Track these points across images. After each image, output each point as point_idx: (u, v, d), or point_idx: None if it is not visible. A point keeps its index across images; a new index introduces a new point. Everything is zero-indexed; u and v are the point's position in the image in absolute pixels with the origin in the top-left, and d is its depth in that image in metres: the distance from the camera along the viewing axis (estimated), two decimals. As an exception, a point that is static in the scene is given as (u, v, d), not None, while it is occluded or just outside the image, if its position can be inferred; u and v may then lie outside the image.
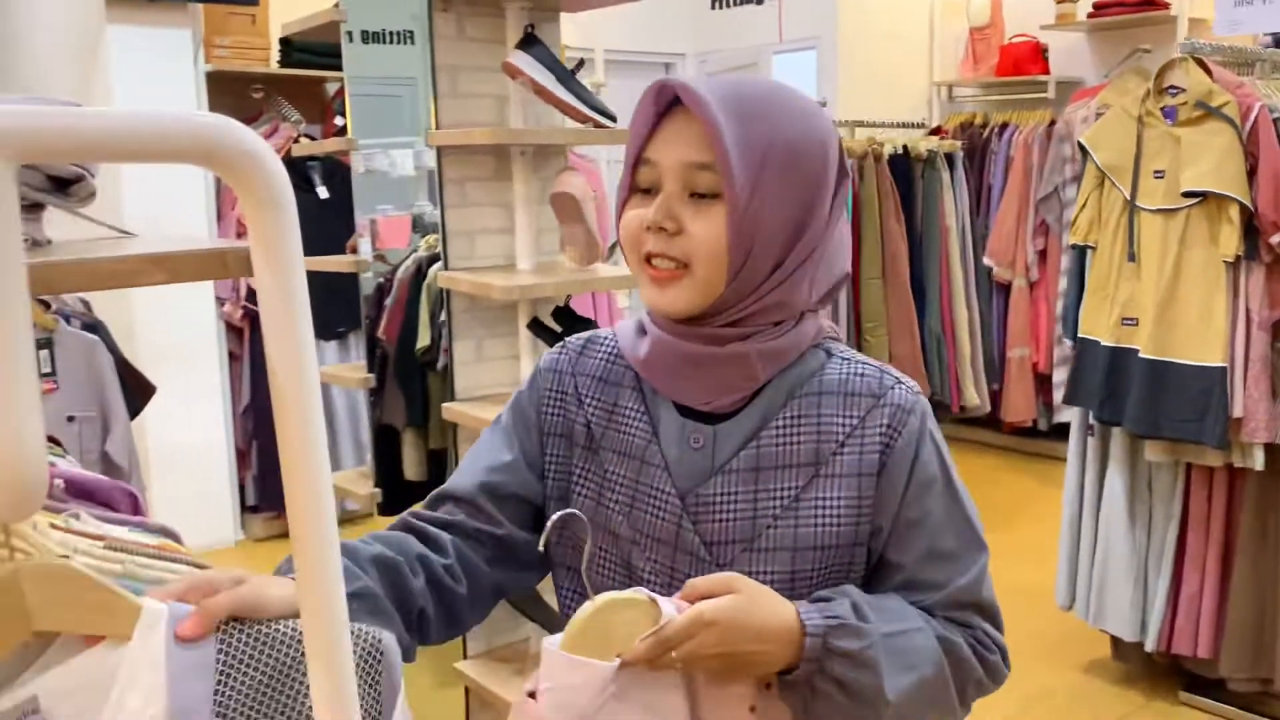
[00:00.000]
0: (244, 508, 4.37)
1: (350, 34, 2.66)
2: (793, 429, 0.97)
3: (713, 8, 6.23)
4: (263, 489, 4.35)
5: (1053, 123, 5.01)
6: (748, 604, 0.87)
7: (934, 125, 5.63)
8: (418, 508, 1.07)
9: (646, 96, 0.94)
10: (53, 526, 1.00)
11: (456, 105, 2.19)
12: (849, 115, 4.84)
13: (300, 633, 0.80)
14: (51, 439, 1.45)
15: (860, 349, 3.72)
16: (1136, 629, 2.84)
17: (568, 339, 1.12)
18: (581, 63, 2.10)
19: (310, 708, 0.76)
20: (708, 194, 0.92)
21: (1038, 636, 3.29)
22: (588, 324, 2.28)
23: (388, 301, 3.35)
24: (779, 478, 0.96)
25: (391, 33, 2.81)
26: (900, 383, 0.99)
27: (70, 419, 2.26)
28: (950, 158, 4.02)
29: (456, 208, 2.22)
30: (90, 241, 0.73)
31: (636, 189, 0.97)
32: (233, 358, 4.31)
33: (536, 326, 2.23)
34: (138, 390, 2.47)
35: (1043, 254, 4.99)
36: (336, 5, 2.68)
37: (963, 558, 0.98)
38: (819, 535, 0.95)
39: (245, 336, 4.28)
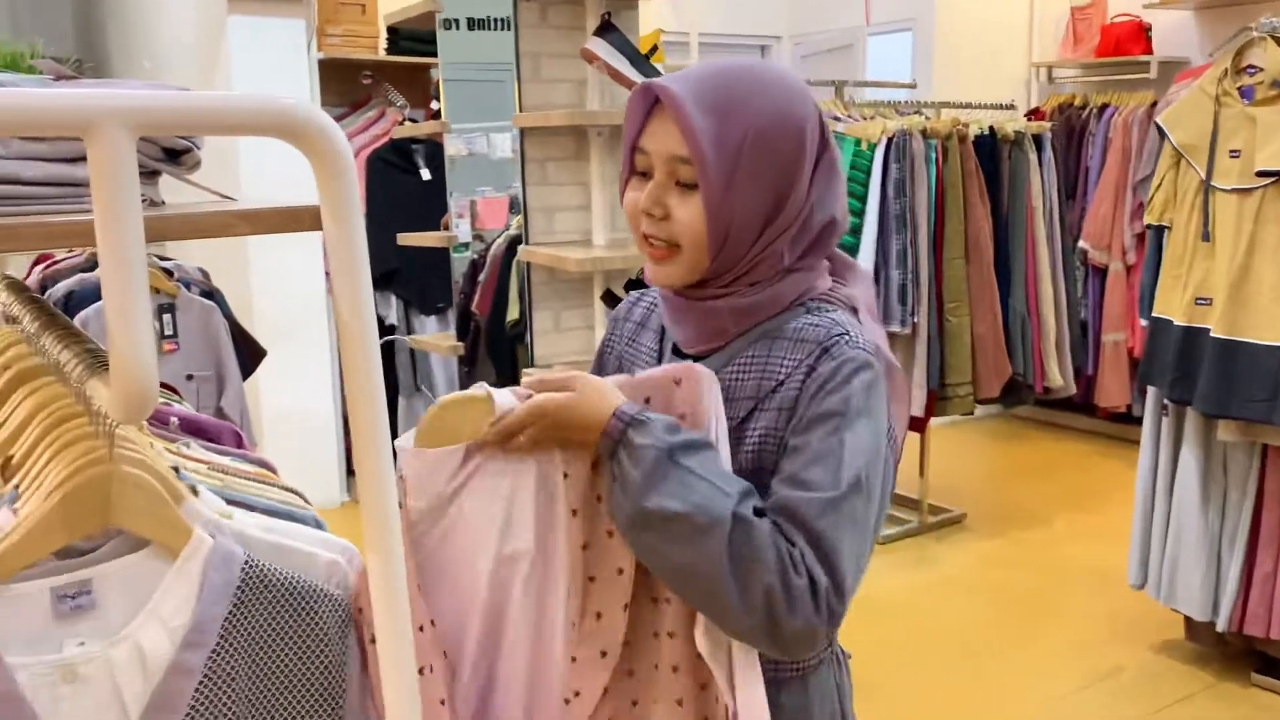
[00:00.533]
0: (349, 471, 4.63)
1: (447, 22, 2.82)
2: (746, 368, 1.08)
3: (809, -10, 6.26)
4: (366, 455, 4.59)
5: (1154, 104, 4.92)
6: (578, 399, 1.02)
7: (1031, 107, 5.58)
8: None
9: (634, 94, 1.06)
10: (167, 450, 1.18)
11: (539, 89, 2.33)
12: (943, 97, 4.84)
13: (318, 597, 0.96)
14: (172, 389, 1.65)
15: (941, 329, 3.76)
16: (1208, 609, 2.84)
17: (633, 291, 1.31)
18: (608, 15, 2.19)
19: (304, 673, 0.93)
20: (689, 184, 1.04)
21: (1111, 616, 3.30)
22: (661, 297, 2.40)
23: (481, 277, 3.53)
24: (728, 409, 1.06)
25: (491, 20, 2.96)
26: (846, 334, 1.04)
27: (189, 377, 2.48)
28: (1039, 139, 4.00)
29: (537, 186, 2.37)
30: (196, 203, 0.89)
31: (635, 172, 1.10)
32: (341, 329, 4.56)
33: (609, 298, 2.36)
34: (250, 353, 2.69)
35: (1141, 237, 4.91)
36: (433, -5, 2.85)
37: (818, 489, 0.98)
38: (747, 460, 1.05)
39: (352, 310, 4.52)
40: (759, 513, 0.99)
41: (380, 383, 0.85)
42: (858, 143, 3.67)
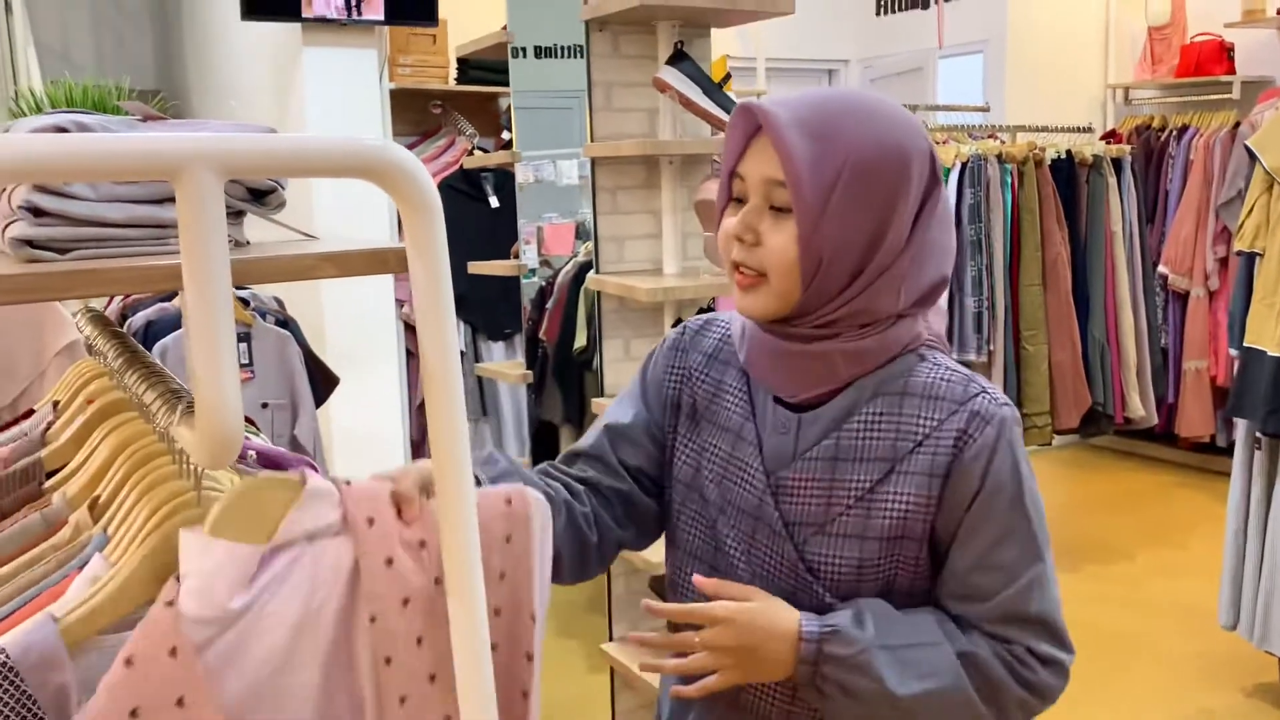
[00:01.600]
0: (417, 497, 4.65)
1: (517, 51, 2.84)
2: (873, 425, 1.02)
3: (878, 14, 6.21)
4: (434, 480, 4.62)
5: (1237, 125, 4.78)
6: (760, 609, 1.00)
7: (1108, 129, 5.46)
8: (554, 463, 1.18)
9: (735, 117, 1.03)
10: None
11: (611, 118, 2.32)
12: (1016, 120, 4.76)
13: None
14: (248, 420, 1.66)
15: (1018, 357, 3.67)
16: (1305, 653, 2.72)
17: (689, 319, 1.22)
18: (681, 44, 2.17)
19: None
20: (784, 208, 0.99)
21: (1200, 657, 3.18)
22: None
23: (549, 304, 3.53)
24: (855, 470, 1.02)
25: (559, 48, 2.97)
26: (986, 392, 1.02)
27: (264, 405, 2.51)
28: (1118, 162, 3.90)
29: (608, 214, 2.36)
30: (280, 243, 0.88)
31: (733, 199, 1.05)
32: (410, 356, 4.60)
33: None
34: (324, 381, 2.71)
35: (1224, 262, 4.77)
36: (504, 28, 2.86)
37: (1017, 570, 1.00)
38: (886, 528, 1.01)
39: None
40: (974, 621, 1.02)
41: (463, 423, 0.83)
42: (930, 168, 3.61)
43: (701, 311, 2.37)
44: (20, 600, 0.92)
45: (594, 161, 2.33)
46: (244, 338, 2.48)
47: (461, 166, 4.25)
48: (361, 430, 4.43)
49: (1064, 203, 3.76)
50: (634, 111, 2.34)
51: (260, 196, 0.88)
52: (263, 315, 2.58)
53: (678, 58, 2.18)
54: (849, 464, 1.02)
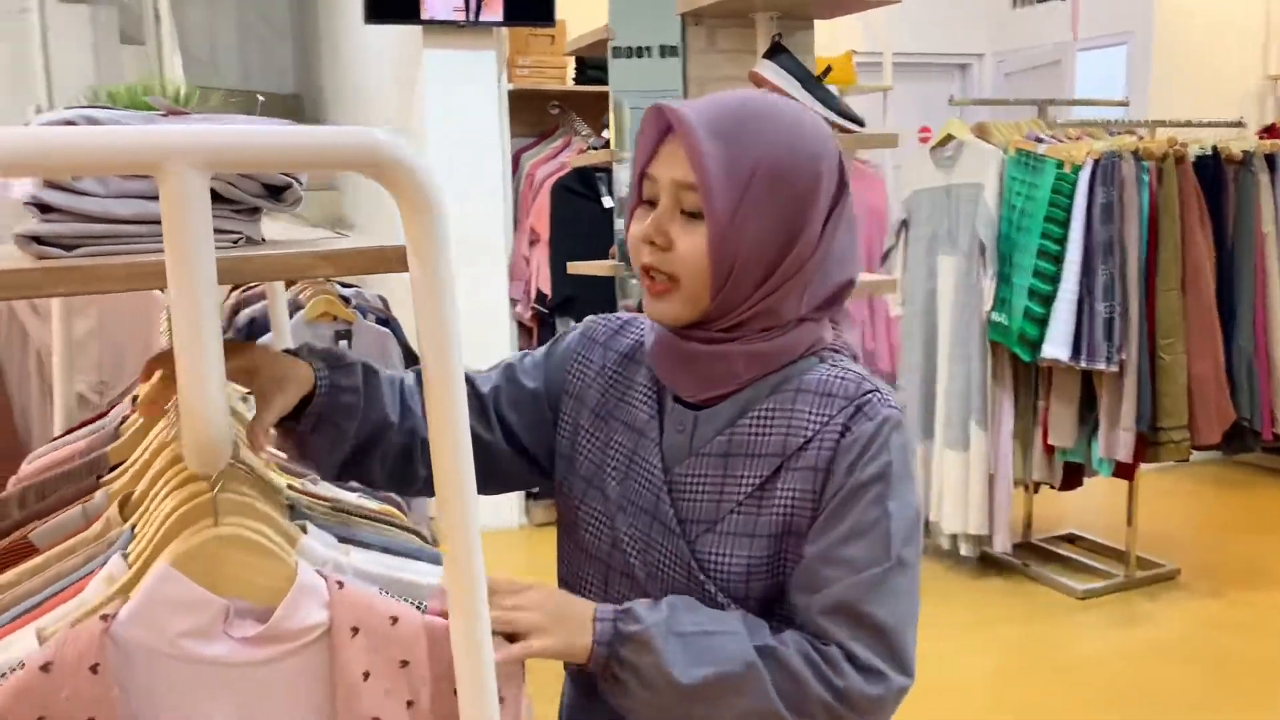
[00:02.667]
0: (528, 495, 4.67)
1: (619, 50, 2.80)
2: (766, 421, 1.02)
3: (1014, 6, 5.95)
4: (545, 478, 4.64)
5: None
6: (552, 591, 1.01)
7: (1267, 124, 5.09)
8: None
9: (647, 117, 1.01)
10: (289, 487, 1.16)
11: (707, 115, 2.26)
12: (1163, 115, 4.48)
13: None
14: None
15: (1153, 367, 3.44)
16: None
17: (609, 315, 1.20)
18: (779, 37, 2.08)
19: None
20: (695, 213, 0.98)
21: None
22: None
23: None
24: (746, 466, 1.01)
25: (660, 47, 2.93)
26: (877, 391, 1.01)
27: (363, 402, 2.54)
28: (1271, 159, 3.62)
29: (703, 214, 2.30)
30: (291, 241, 0.86)
31: (643, 201, 1.03)
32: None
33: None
34: (423, 379, 2.73)
35: (1395, 267, 4.38)
36: (606, 26, 2.84)
37: (862, 567, 0.96)
38: (774, 524, 1.00)
39: (535, 335, 4.58)
40: (802, 613, 0.98)
41: (464, 427, 0.79)
42: (1060, 165, 3.42)
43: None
44: (48, 592, 0.93)
45: (689, 159, 2.28)
46: (345, 335, 2.52)
47: (572, 166, 4.25)
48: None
49: (1209, 203, 3.50)
50: (731, 108, 2.27)
51: (278, 193, 0.86)
52: (363, 313, 2.62)
53: (775, 51, 2.11)
54: (740, 460, 1.02)
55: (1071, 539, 4.21)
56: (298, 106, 7.13)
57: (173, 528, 0.83)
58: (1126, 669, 3.17)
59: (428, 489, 1.11)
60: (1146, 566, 3.85)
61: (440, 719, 0.83)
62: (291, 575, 0.80)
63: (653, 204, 1.02)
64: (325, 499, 1.16)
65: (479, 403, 1.14)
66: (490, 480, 1.13)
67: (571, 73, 4.68)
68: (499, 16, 4.24)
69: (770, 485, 1.00)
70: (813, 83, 2.08)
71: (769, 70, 2.10)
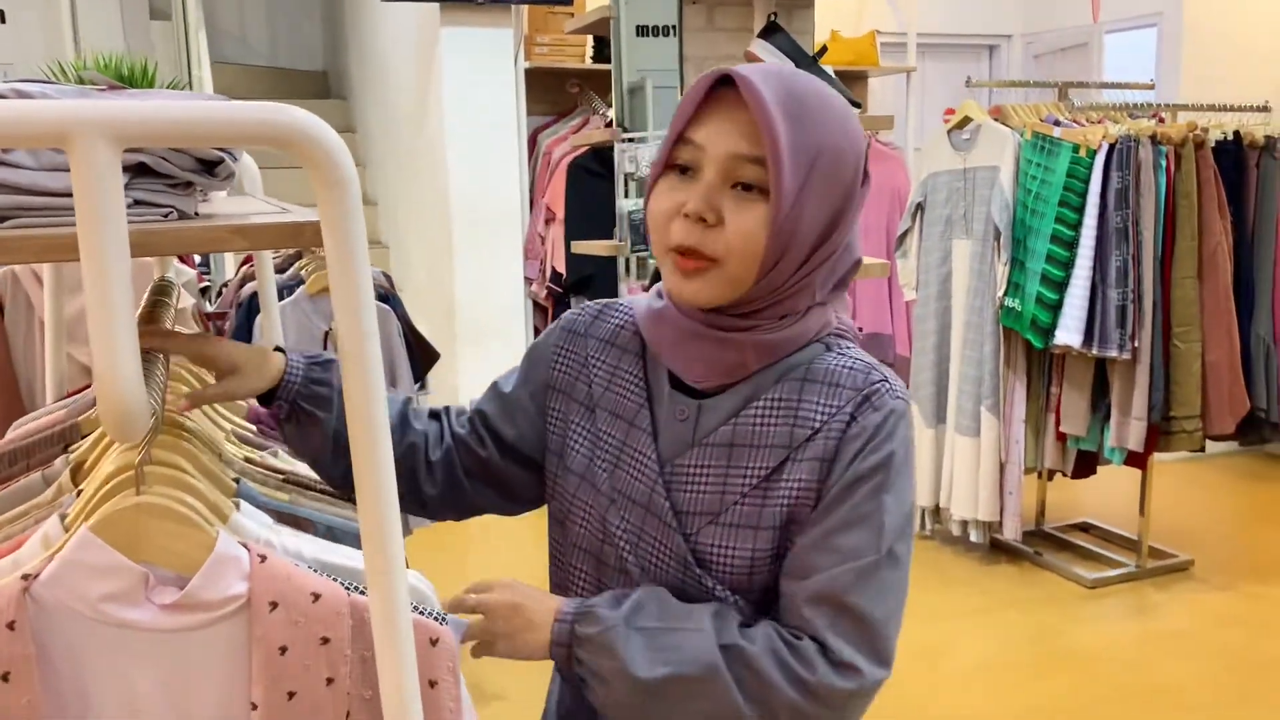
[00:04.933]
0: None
1: (620, 29, 2.80)
2: (772, 411, 0.99)
3: (1044, -14, 5.86)
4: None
5: None
6: (516, 589, 0.99)
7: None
8: (450, 408, 1.18)
9: (703, 80, 0.95)
10: (246, 460, 1.18)
11: (704, 95, 2.25)
12: (1192, 99, 4.39)
13: None
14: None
15: (1166, 355, 3.39)
16: None
17: (587, 303, 1.17)
18: (774, 16, 2.07)
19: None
20: (752, 185, 0.93)
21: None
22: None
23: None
24: (751, 456, 0.98)
25: (663, 27, 2.91)
26: (885, 381, 0.99)
27: (362, 378, 2.56)
28: (1295, 144, 3.55)
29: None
30: (218, 215, 0.87)
31: (673, 165, 0.96)
32: (538, 333, 4.65)
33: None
34: (424, 356, 2.75)
35: None
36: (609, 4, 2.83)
37: (851, 556, 0.93)
38: (778, 515, 0.97)
39: (549, 314, 4.60)
40: (771, 610, 0.97)
41: (382, 402, 0.80)
42: (1075, 149, 3.37)
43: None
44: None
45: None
46: (345, 311, 2.53)
47: (592, 146, 4.25)
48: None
49: (1229, 189, 3.44)
50: (729, 88, 2.26)
51: (210, 167, 0.87)
52: (365, 290, 2.63)
53: (770, 30, 2.09)
54: (745, 450, 0.99)
55: (1085, 528, 4.17)
56: (324, 83, 7.17)
57: (103, 496, 0.85)
58: (1134, 660, 3.14)
59: (441, 509, 1.15)
60: (1159, 557, 3.80)
61: (361, 699, 0.84)
62: (211, 544, 0.81)
63: (684, 170, 0.96)
64: (281, 471, 1.18)
65: (472, 425, 1.14)
66: (511, 499, 1.16)
67: (590, 51, 4.67)
68: (517, -6, 4.24)
69: (776, 477, 0.97)
70: (807, 62, 2.06)
71: (763, 49, 2.09)
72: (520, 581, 1.02)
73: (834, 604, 0.93)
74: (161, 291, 1.68)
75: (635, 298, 1.12)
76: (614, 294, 4.41)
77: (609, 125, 4.24)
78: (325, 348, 2.53)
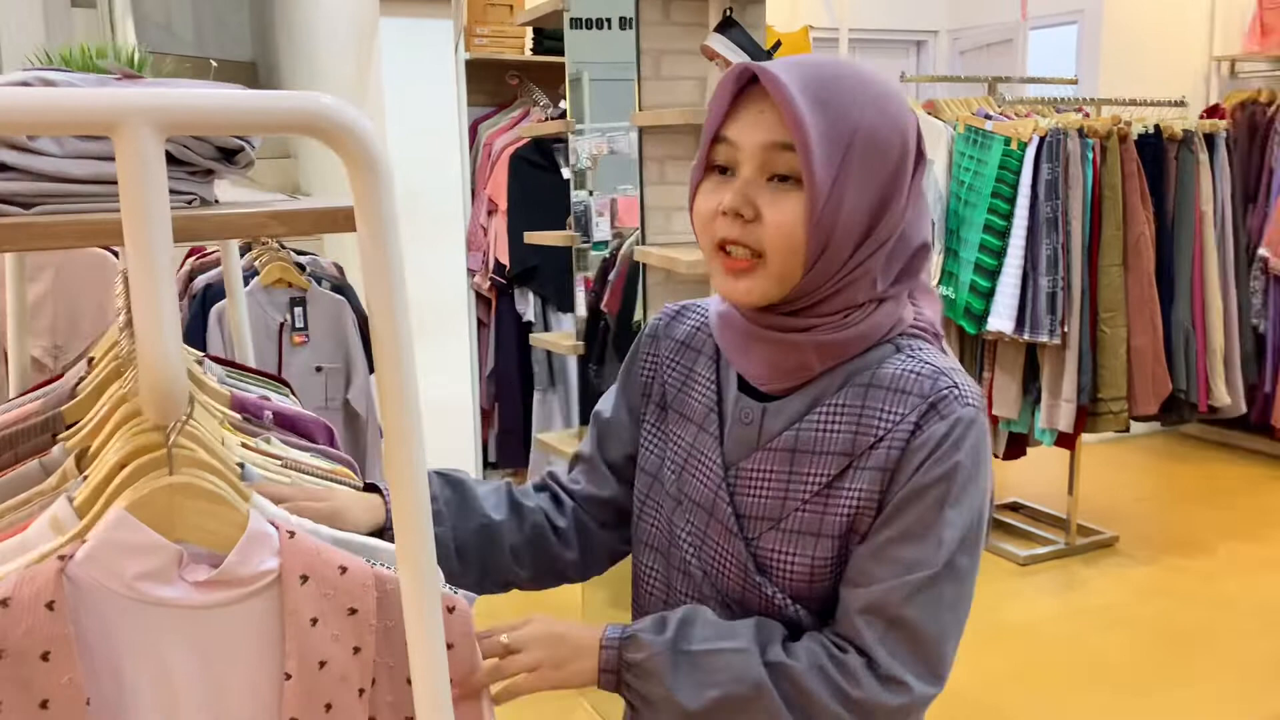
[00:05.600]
0: (485, 464, 4.71)
1: (575, 21, 2.82)
2: (836, 417, 0.96)
3: (969, -17, 6.02)
4: (502, 447, 4.67)
5: (1350, 99, 4.52)
6: (551, 622, 0.97)
7: (1211, 104, 5.21)
8: (554, 472, 1.19)
9: (727, 80, 0.94)
10: (244, 445, 1.20)
11: (659, 87, 2.30)
12: (1112, 94, 4.57)
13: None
14: (280, 379, 1.69)
15: (1095, 340, 3.54)
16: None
17: (667, 305, 1.16)
18: (730, 11, 2.13)
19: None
20: (788, 175, 0.91)
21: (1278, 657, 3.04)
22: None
23: (610, 276, 3.52)
24: (814, 463, 0.97)
25: (618, 19, 2.95)
26: (956, 387, 0.94)
27: (318, 369, 2.56)
28: (1211, 139, 3.72)
29: (655, 185, 2.34)
30: (242, 202, 0.89)
31: (713, 165, 0.96)
32: (481, 325, 4.64)
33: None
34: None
35: (1330, 245, 4.52)
36: (563, -3, 2.85)
37: (911, 568, 0.92)
38: (840, 524, 0.95)
39: (493, 306, 4.60)
40: (843, 610, 0.96)
41: (415, 391, 0.83)
42: (1007, 141, 3.49)
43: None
44: (-1, 538, 0.96)
45: (641, 131, 2.31)
46: (299, 302, 2.53)
47: (531, 138, 4.26)
48: (432, 400, 4.49)
49: (1150, 180, 3.60)
50: (684, 80, 2.31)
51: (230, 155, 0.89)
52: (318, 280, 2.63)
53: (726, 24, 2.14)
54: (807, 456, 0.97)
55: (1015, 507, 4.33)
56: (253, 74, 7.04)
57: (129, 476, 0.86)
58: (1065, 633, 3.28)
59: (586, 569, 1.16)
60: (1087, 534, 3.97)
61: (385, 667, 0.87)
62: (243, 522, 0.83)
63: (724, 170, 0.95)
64: (277, 457, 1.20)
65: (590, 466, 1.15)
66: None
67: (529, 43, 4.67)
68: (457, -15, 4.23)
69: (837, 484, 0.95)
70: (763, 56, 2.12)
71: (719, 44, 2.14)
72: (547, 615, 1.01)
73: (886, 617, 0.92)
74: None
75: (712, 299, 1.09)
76: (559, 285, 4.44)
77: (554, 118, 4.27)
78: (280, 340, 2.53)
